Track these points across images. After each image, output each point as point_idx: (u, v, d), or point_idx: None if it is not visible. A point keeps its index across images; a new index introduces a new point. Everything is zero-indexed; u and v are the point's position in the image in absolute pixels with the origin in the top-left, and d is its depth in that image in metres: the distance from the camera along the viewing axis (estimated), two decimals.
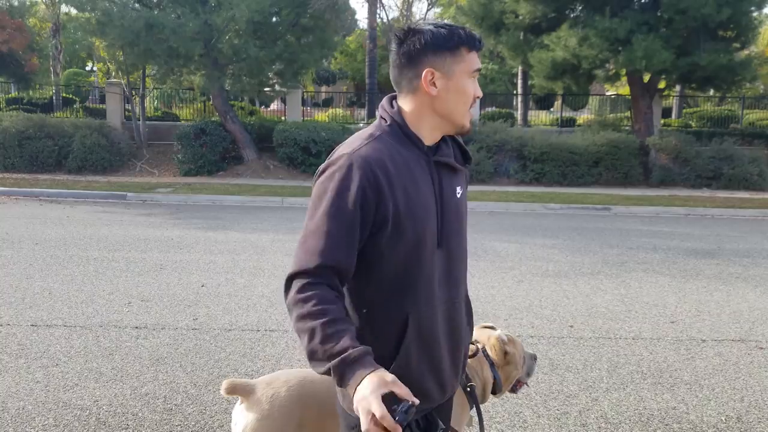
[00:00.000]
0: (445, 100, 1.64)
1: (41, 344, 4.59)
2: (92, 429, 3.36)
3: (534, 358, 2.63)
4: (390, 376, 1.40)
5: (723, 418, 3.70)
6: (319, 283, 1.51)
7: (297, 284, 1.52)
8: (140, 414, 3.54)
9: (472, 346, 2.43)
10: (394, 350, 1.62)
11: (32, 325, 5.01)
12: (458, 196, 1.73)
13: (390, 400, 1.36)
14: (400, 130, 1.66)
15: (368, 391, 1.36)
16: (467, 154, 1.80)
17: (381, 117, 1.70)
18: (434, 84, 1.63)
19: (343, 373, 1.42)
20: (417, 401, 1.38)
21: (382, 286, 1.62)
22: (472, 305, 1.94)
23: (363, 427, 1.35)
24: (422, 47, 1.62)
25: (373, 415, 1.34)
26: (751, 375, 4.36)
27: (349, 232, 1.54)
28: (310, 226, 1.57)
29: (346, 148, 1.63)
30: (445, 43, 1.62)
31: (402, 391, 1.38)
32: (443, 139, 1.74)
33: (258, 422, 2.16)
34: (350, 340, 1.45)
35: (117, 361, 4.31)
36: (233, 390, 2.25)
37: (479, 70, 1.68)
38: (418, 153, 1.66)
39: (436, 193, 1.66)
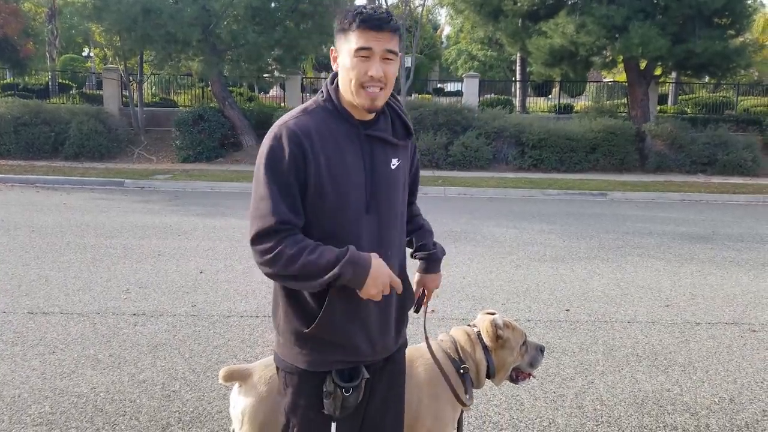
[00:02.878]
0: (341, 78, 1.79)
1: (38, 331, 4.61)
2: (89, 416, 3.38)
3: (541, 349, 2.58)
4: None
5: (716, 400, 3.74)
6: (284, 236, 1.71)
7: (266, 245, 1.71)
8: (138, 400, 3.57)
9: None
10: (319, 304, 1.79)
11: (29, 313, 5.02)
12: (393, 167, 1.86)
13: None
14: (332, 105, 1.81)
15: (381, 264, 1.73)
16: (409, 128, 1.93)
17: (320, 92, 1.86)
18: (335, 62, 1.81)
19: (355, 269, 1.68)
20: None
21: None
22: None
23: (387, 289, 1.74)
24: (336, 30, 1.78)
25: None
26: (744, 357, 4.40)
27: (289, 192, 1.73)
28: (256, 194, 1.76)
29: (279, 120, 1.80)
30: (340, 23, 1.76)
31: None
32: (383, 112, 1.86)
33: (256, 404, 2.18)
34: (333, 249, 1.70)
35: (115, 348, 4.33)
36: (231, 376, 2.27)
37: (365, 49, 1.71)
38: (348, 126, 1.80)
39: (365, 163, 1.79)
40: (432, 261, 2.18)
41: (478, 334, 2.45)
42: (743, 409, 3.63)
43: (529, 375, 2.57)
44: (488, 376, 2.45)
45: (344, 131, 1.79)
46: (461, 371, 2.37)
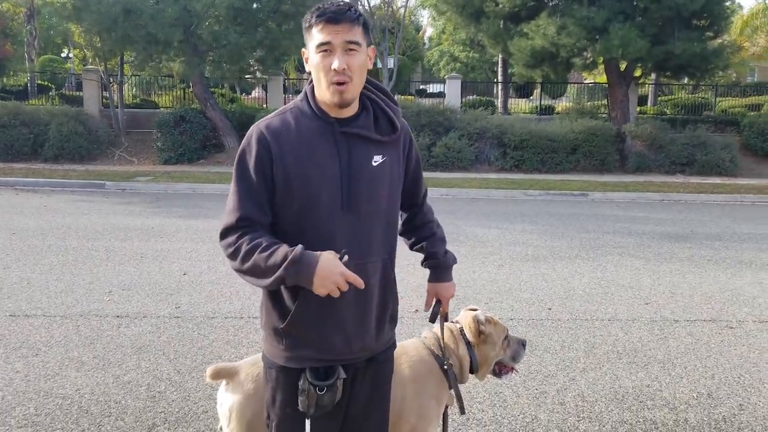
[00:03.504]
0: (314, 78, 1.83)
1: (20, 334, 4.57)
2: (74, 417, 3.37)
3: (522, 344, 2.63)
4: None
5: (695, 395, 3.81)
6: (244, 232, 1.77)
7: (229, 239, 1.79)
8: (123, 402, 3.56)
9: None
10: (294, 300, 1.82)
11: (10, 315, 4.98)
12: (374, 164, 1.85)
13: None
14: (307, 105, 1.85)
15: (329, 262, 1.67)
16: (395, 124, 1.91)
17: (302, 92, 1.90)
18: (307, 63, 1.83)
19: (298, 269, 1.67)
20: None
21: (285, 240, 1.77)
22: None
23: (341, 286, 1.68)
24: (303, 30, 1.82)
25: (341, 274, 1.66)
26: (722, 353, 4.50)
27: (254, 191, 1.79)
28: (230, 190, 1.84)
29: (258, 120, 1.87)
30: (305, 23, 1.80)
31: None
32: (366, 108, 1.87)
33: (243, 401, 2.20)
34: (286, 248, 1.71)
35: (99, 350, 4.31)
36: (218, 375, 2.28)
37: (324, 44, 1.75)
38: (322, 125, 1.82)
39: (341, 161, 1.81)
40: (441, 269, 2.17)
41: (461, 330, 2.49)
42: (721, 403, 3.71)
43: (512, 369, 2.62)
44: (471, 371, 2.49)
45: (317, 130, 1.81)
46: (445, 367, 2.40)
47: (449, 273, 2.19)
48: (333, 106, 1.80)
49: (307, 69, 1.84)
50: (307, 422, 1.84)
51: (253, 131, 1.82)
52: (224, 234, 1.81)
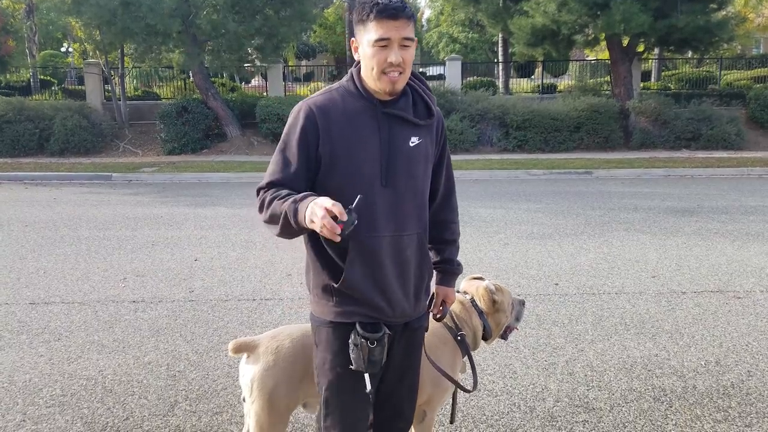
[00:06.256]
0: (363, 66, 1.93)
1: (41, 321, 4.68)
2: (99, 397, 3.47)
3: (522, 303, 2.74)
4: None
5: (703, 363, 3.88)
6: (272, 189, 1.90)
7: (260, 196, 1.92)
8: (145, 381, 3.67)
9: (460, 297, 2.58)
10: (342, 260, 1.93)
11: (30, 303, 5.09)
12: (411, 144, 1.97)
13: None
14: (353, 85, 1.96)
15: (317, 200, 1.69)
16: (431, 109, 2.02)
17: (347, 74, 2.02)
18: (357, 52, 1.94)
19: (296, 209, 1.75)
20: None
21: None
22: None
23: (318, 216, 1.65)
24: (352, 20, 1.92)
25: (326, 209, 1.64)
26: (729, 322, 4.56)
27: (292, 161, 1.91)
28: (272, 157, 1.97)
29: (308, 98, 1.98)
30: (358, 16, 1.88)
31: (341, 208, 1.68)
32: (404, 93, 1.98)
33: (264, 372, 2.29)
34: (296, 195, 1.80)
35: (118, 334, 4.42)
36: (239, 348, 2.37)
37: (383, 39, 1.84)
38: (366, 104, 1.93)
39: (381, 138, 1.92)
40: (447, 275, 2.26)
41: (472, 301, 2.57)
42: (729, 370, 3.77)
43: (514, 328, 2.73)
44: (484, 339, 2.57)
45: (362, 108, 1.93)
46: (458, 338, 2.48)
47: (453, 280, 2.30)
48: (383, 93, 1.92)
49: (355, 57, 1.94)
50: (367, 376, 1.92)
51: (301, 107, 1.93)
52: (257, 193, 1.94)
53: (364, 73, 1.93)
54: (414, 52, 1.92)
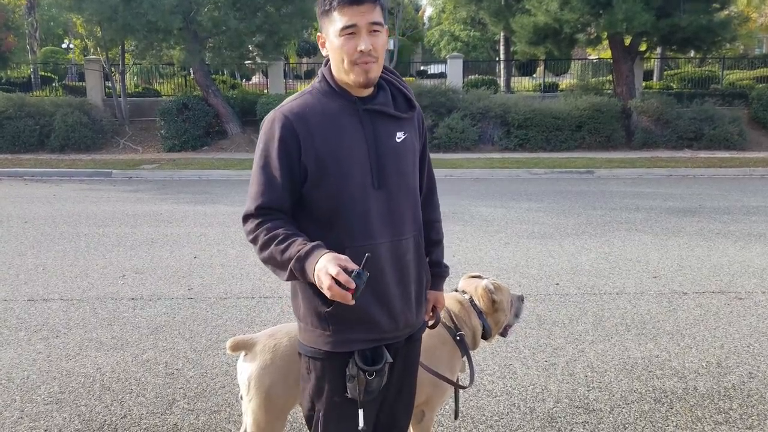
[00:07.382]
0: (333, 60, 1.81)
1: (40, 317, 4.67)
2: (97, 394, 3.46)
3: (521, 299, 2.70)
4: (343, 256, 1.60)
5: (704, 364, 3.86)
6: (265, 219, 1.76)
7: (249, 225, 1.78)
8: (143, 379, 3.65)
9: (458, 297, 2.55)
10: None
11: (29, 300, 5.07)
12: (398, 140, 1.87)
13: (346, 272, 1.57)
14: (327, 85, 1.84)
15: (324, 261, 1.58)
16: (411, 102, 1.93)
17: (317, 75, 1.89)
18: (324, 47, 1.83)
19: (302, 266, 1.64)
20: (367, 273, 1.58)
21: (319, 222, 1.81)
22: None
23: (324, 287, 1.56)
24: (318, 14, 1.81)
25: (332, 276, 1.54)
26: (731, 323, 4.54)
27: (276, 177, 1.76)
28: (251, 176, 1.83)
29: (279, 105, 1.84)
30: (321, 7, 1.78)
31: (353, 265, 1.58)
32: (381, 87, 1.88)
33: (262, 370, 2.27)
34: (300, 243, 1.68)
35: (116, 331, 4.40)
36: (236, 347, 2.35)
37: (349, 27, 1.72)
38: (345, 103, 1.82)
39: (367, 137, 1.81)
40: (436, 278, 2.14)
41: (471, 301, 2.54)
42: (730, 372, 3.75)
43: (513, 324, 2.70)
44: (484, 338, 2.55)
45: (341, 108, 1.80)
46: (458, 338, 2.46)
47: (442, 283, 2.19)
48: (357, 86, 1.79)
49: (324, 53, 1.82)
50: (360, 411, 1.81)
51: (274, 116, 1.78)
52: (245, 219, 1.81)
53: (335, 68, 1.80)
54: (386, 39, 1.79)
